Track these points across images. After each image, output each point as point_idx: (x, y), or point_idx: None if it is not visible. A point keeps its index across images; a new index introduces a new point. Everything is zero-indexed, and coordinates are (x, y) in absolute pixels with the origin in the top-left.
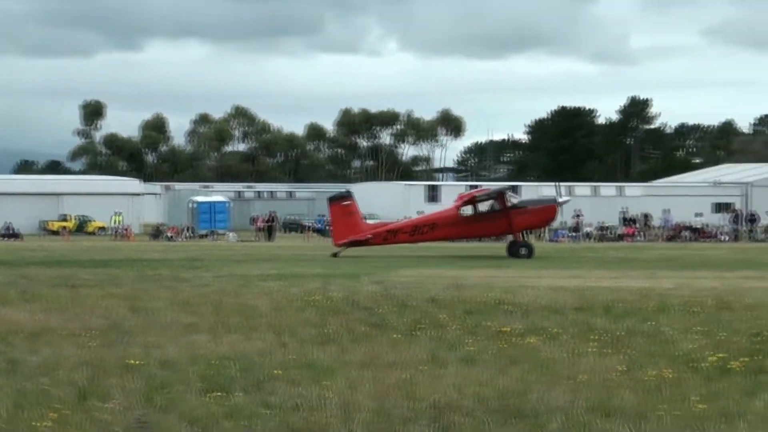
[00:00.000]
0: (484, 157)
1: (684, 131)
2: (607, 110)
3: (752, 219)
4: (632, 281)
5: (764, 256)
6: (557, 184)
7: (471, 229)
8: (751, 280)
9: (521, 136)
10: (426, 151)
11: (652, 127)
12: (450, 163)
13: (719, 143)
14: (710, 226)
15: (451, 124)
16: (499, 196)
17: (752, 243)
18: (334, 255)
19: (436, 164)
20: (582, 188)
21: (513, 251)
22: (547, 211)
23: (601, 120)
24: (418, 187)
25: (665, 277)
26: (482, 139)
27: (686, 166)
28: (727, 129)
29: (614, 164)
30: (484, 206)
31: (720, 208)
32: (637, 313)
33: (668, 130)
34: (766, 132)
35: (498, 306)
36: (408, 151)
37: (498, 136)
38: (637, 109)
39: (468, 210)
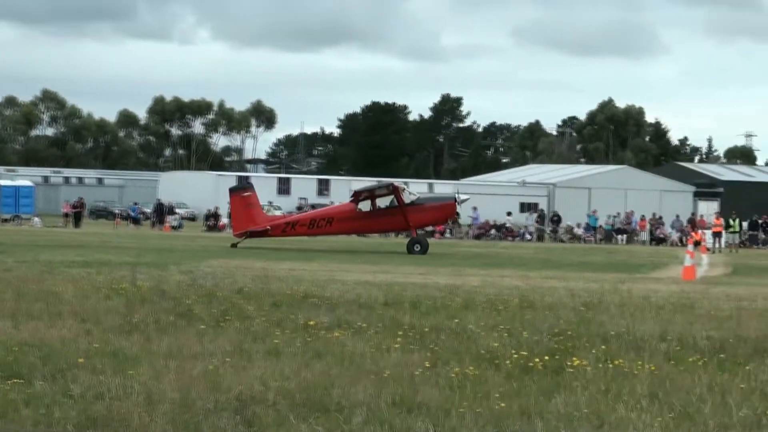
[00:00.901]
0: (295, 150)
1: (493, 130)
2: (419, 107)
3: (555, 219)
4: (440, 278)
5: (566, 257)
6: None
7: (368, 225)
8: (553, 280)
9: (333, 129)
10: (238, 142)
11: (463, 125)
12: (261, 155)
13: (527, 143)
14: (516, 225)
15: (263, 116)
16: (394, 191)
17: (555, 243)
18: (233, 245)
19: (248, 155)
20: None
21: (408, 247)
22: (445, 208)
23: (413, 117)
24: (229, 177)
25: (472, 274)
26: (294, 131)
27: (495, 166)
28: (534, 130)
29: (425, 161)
30: (383, 202)
31: (526, 207)
32: (444, 309)
33: (478, 129)
34: (571, 134)
35: (305, 299)
36: (220, 141)
37: (310, 130)
38: (448, 107)
39: (366, 205)
